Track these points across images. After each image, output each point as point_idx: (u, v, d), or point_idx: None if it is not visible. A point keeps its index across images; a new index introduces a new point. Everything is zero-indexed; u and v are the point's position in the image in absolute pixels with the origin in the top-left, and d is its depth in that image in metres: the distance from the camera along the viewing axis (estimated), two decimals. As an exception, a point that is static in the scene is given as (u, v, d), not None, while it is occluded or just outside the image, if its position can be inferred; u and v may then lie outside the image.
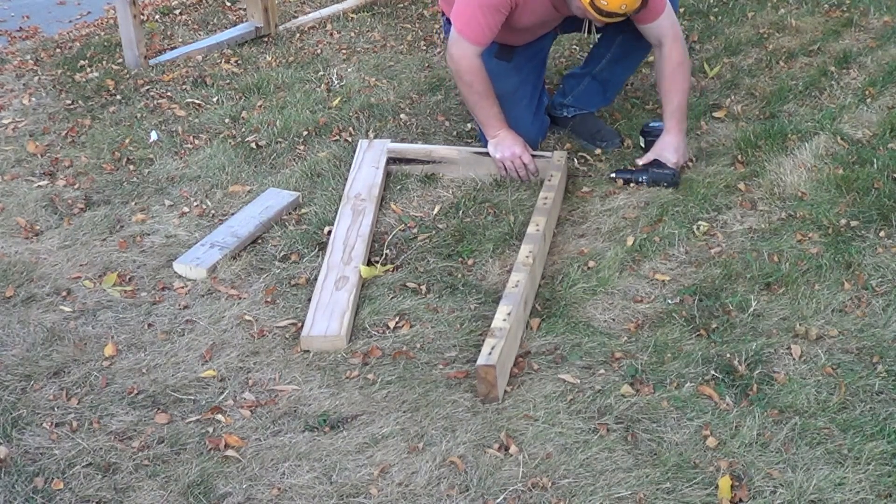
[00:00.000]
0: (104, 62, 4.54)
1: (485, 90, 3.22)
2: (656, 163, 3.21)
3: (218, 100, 4.07)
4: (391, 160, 3.41)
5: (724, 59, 4.23)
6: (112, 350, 2.56)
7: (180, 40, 4.91)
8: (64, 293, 2.82)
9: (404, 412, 2.30)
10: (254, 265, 2.94)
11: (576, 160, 3.42)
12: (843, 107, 3.66)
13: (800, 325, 2.50)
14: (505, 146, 3.25)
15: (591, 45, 3.59)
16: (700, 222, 2.99)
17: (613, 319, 2.60)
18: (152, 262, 2.97)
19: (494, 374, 2.26)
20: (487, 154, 3.34)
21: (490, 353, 2.29)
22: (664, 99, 3.26)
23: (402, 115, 3.84)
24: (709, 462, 2.10)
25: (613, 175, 3.21)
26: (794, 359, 2.40)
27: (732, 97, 3.86)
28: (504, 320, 2.40)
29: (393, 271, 2.86)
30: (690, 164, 3.30)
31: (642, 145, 3.35)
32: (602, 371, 2.39)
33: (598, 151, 3.46)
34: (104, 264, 2.97)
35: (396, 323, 2.63)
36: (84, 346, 2.59)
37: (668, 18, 3.20)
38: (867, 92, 3.75)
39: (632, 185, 3.20)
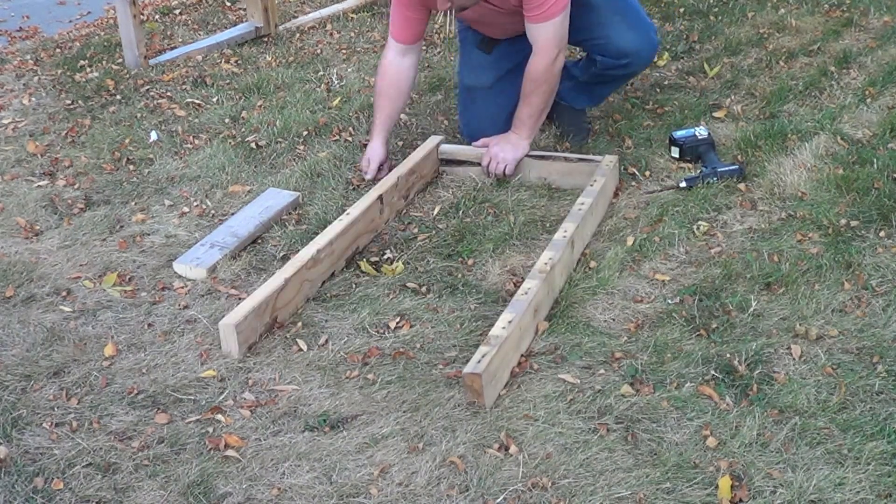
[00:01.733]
0: (104, 62, 4.54)
1: (378, 89, 3.37)
2: (720, 161, 3.27)
3: (218, 100, 4.07)
4: (443, 161, 3.40)
5: (724, 59, 4.24)
6: (112, 350, 2.56)
7: (180, 40, 4.91)
8: (64, 293, 2.82)
9: (404, 412, 2.30)
10: (254, 265, 2.94)
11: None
12: (843, 107, 3.66)
13: (800, 325, 2.50)
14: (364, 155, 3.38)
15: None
16: (700, 222, 2.99)
17: (613, 319, 2.60)
18: (152, 262, 2.97)
19: (481, 382, 2.25)
20: (537, 157, 3.31)
21: (479, 362, 2.27)
22: (519, 102, 3.30)
23: (402, 115, 3.84)
24: (709, 462, 2.10)
25: (684, 184, 3.18)
26: (794, 359, 2.40)
27: (732, 97, 3.86)
28: (503, 328, 2.38)
29: (393, 272, 2.86)
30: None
31: (675, 156, 3.36)
32: (602, 371, 2.39)
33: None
34: (104, 264, 2.97)
35: (396, 323, 2.63)
36: (84, 346, 2.59)
37: (550, 31, 3.13)
38: (867, 92, 3.76)
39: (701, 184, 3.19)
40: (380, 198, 3.05)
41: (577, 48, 3.84)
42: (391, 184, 3.12)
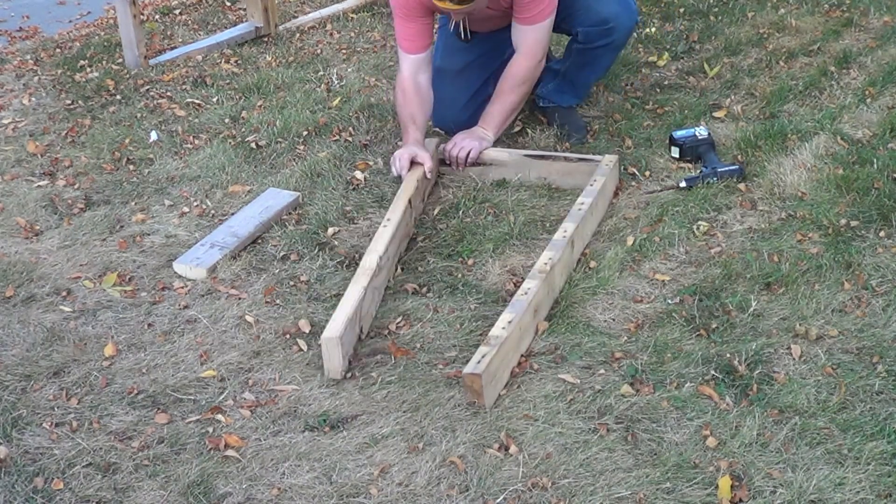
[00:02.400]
0: (104, 62, 4.54)
1: (402, 101, 3.31)
2: (720, 161, 3.28)
3: (218, 100, 4.07)
4: (442, 161, 3.40)
5: (724, 59, 4.23)
6: (112, 350, 2.56)
7: (180, 40, 4.91)
8: (64, 293, 2.82)
9: (404, 412, 2.30)
10: (254, 265, 2.94)
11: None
12: (843, 107, 3.66)
13: (800, 325, 2.50)
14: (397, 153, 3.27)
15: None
16: (700, 222, 2.99)
17: (613, 319, 2.60)
18: (152, 262, 2.97)
19: (481, 382, 2.25)
20: (538, 157, 3.32)
21: (479, 362, 2.27)
22: (492, 98, 3.38)
23: (402, 115, 3.84)
24: (709, 462, 2.10)
25: (683, 184, 3.17)
26: (794, 359, 2.40)
27: (732, 97, 3.86)
28: (503, 328, 2.38)
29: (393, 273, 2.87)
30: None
31: (675, 156, 3.36)
32: (602, 371, 2.39)
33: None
34: (104, 264, 2.97)
35: (397, 323, 2.63)
36: (84, 346, 2.59)
37: (537, 34, 3.24)
38: (867, 92, 3.75)
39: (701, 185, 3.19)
40: (409, 201, 3.03)
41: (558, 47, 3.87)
42: (414, 187, 3.10)
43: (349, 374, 2.44)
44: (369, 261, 2.71)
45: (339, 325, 2.43)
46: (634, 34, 4.17)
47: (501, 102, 3.34)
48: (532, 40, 3.25)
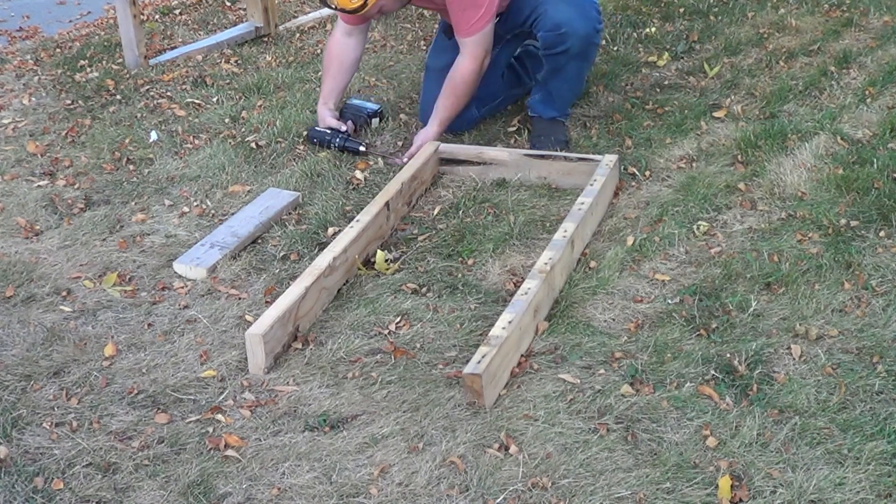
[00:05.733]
0: (104, 62, 4.54)
1: (325, 64, 3.68)
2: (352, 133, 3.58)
3: (218, 100, 4.07)
4: (443, 161, 3.41)
5: (724, 59, 4.24)
6: (112, 350, 2.56)
7: (180, 40, 4.91)
8: (64, 293, 2.82)
9: (404, 412, 2.30)
10: (254, 265, 2.94)
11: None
12: (843, 107, 3.66)
13: (800, 325, 2.50)
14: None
15: None
16: (700, 222, 2.99)
17: (613, 319, 2.60)
18: (152, 262, 2.97)
19: (481, 383, 2.25)
20: (538, 157, 3.33)
21: (479, 362, 2.27)
22: (441, 92, 3.49)
23: (402, 115, 3.84)
24: (709, 462, 2.10)
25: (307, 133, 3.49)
26: (794, 359, 2.40)
27: (732, 97, 3.86)
28: (503, 328, 2.38)
29: (393, 273, 2.86)
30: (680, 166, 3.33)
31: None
32: (602, 371, 2.39)
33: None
34: (104, 264, 2.97)
35: (397, 323, 2.63)
36: (84, 346, 2.59)
37: (478, 40, 3.36)
38: (867, 92, 3.76)
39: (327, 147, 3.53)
40: (386, 204, 3.04)
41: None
42: (396, 190, 3.11)
43: (353, 374, 2.44)
44: (322, 261, 2.72)
45: (266, 323, 2.47)
46: (600, 44, 3.84)
47: (444, 98, 3.45)
48: (472, 45, 3.36)
